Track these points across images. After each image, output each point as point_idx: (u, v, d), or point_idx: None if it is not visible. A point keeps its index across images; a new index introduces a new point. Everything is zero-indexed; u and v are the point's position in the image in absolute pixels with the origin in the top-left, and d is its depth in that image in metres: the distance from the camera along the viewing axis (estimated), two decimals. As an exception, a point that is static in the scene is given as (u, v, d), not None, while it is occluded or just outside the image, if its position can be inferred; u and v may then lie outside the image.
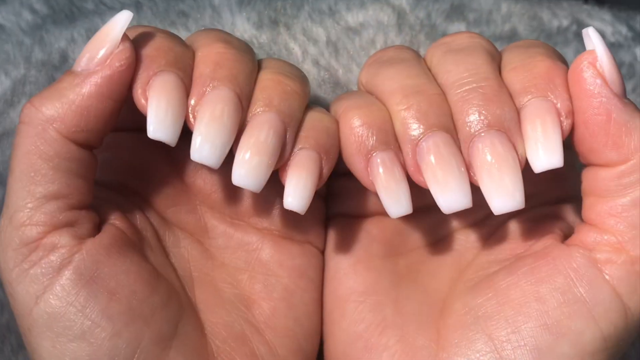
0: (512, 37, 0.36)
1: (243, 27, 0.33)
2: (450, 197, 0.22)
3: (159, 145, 0.26)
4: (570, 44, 0.37)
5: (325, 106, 0.30)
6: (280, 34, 0.33)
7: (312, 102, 0.32)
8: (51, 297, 0.21)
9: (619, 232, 0.22)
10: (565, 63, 0.24)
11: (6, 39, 0.32)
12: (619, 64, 0.36)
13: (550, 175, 0.24)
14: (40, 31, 0.32)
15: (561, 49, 0.36)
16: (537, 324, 0.22)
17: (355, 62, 0.33)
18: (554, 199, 0.27)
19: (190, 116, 0.22)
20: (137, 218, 0.25)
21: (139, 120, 0.24)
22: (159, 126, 0.21)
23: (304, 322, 0.26)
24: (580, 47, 0.36)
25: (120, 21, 0.22)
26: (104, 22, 0.32)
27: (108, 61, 0.22)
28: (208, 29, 0.26)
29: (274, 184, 0.23)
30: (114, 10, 0.33)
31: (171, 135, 0.22)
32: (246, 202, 0.26)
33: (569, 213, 0.26)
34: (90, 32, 0.32)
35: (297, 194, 0.22)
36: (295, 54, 0.33)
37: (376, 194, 0.23)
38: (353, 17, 0.34)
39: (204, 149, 0.22)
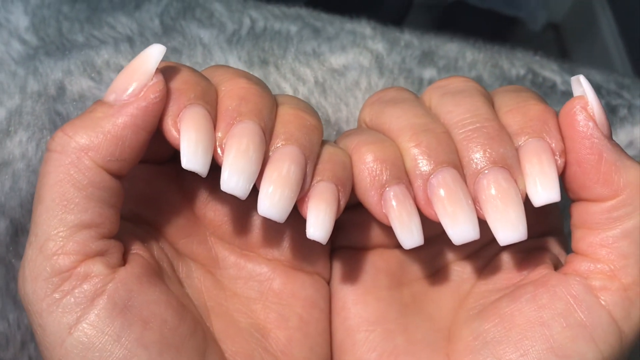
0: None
1: (235, 65, 0.34)
2: (460, 229, 0.24)
3: (172, 177, 0.26)
4: (529, 91, 0.39)
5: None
6: (270, 73, 0.35)
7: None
8: (86, 326, 0.21)
9: (611, 261, 0.24)
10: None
11: (-2, 68, 0.32)
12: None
13: (536, 210, 0.26)
14: (34, 62, 0.32)
15: (522, 96, 0.39)
16: (544, 347, 0.24)
17: (343, 101, 0.35)
18: (539, 233, 0.29)
19: (218, 149, 0.23)
20: (154, 248, 0.25)
21: (155, 151, 0.25)
22: (192, 157, 0.22)
23: (318, 351, 0.26)
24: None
25: (154, 54, 0.22)
26: (98, 55, 0.33)
27: (142, 93, 0.22)
28: (220, 65, 0.26)
29: None
30: (106, 44, 0.33)
31: (203, 165, 0.22)
32: (256, 234, 0.27)
33: (553, 245, 0.29)
34: (87, 65, 0.32)
35: (318, 224, 0.23)
36: (287, 92, 0.34)
37: (388, 227, 0.24)
38: (336, 59, 0.36)
39: (232, 180, 0.22)
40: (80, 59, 0.32)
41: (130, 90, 0.22)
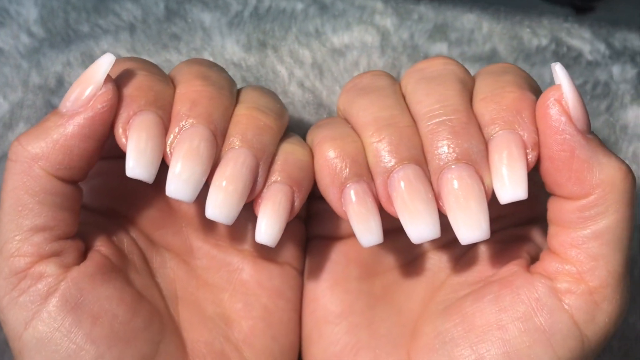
0: (492, 57, 0.37)
1: (232, 50, 0.35)
2: (419, 227, 0.23)
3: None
4: (548, 63, 0.38)
5: (309, 126, 0.32)
6: (267, 57, 0.35)
7: (296, 123, 0.34)
8: (39, 323, 0.23)
9: (579, 262, 0.23)
10: (535, 90, 0.25)
11: (5, 62, 0.34)
12: (594, 83, 0.38)
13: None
14: (37, 55, 0.34)
15: (539, 70, 0.37)
16: (499, 352, 0.23)
17: (339, 83, 0.35)
18: (524, 220, 0.28)
19: (168, 152, 0.23)
20: (124, 242, 0.27)
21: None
22: (135, 166, 0.23)
23: (281, 340, 0.27)
24: (558, 66, 0.38)
25: (104, 64, 0.23)
26: (98, 46, 0.34)
27: (91, 103, 0.23)
28: (191, 61, 0.27)
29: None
30: (109, 33, 0.34)
31: (148, 173, 0.23)
32: (228, 225, 0.28)
33: (537, 234, 0.28)
34: (85, 56, 0.34)
35: (267, 229, 0.24)
36: (282, 76, 0.34)
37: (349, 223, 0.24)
38: (338, 39, 0.36)
39: (178, 185, 0.23)
40: (79, 50, 0.34)
41: (80, 101, 0.23)
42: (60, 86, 0.33)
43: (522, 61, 0.37)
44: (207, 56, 0.34)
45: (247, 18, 0.36)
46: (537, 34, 0.39)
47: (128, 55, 0.34)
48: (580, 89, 0.37)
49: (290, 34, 0.36)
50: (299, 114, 0.34)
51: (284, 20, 0.36)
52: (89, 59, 0.33)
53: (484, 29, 0.39)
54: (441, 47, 0.37)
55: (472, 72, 0.36)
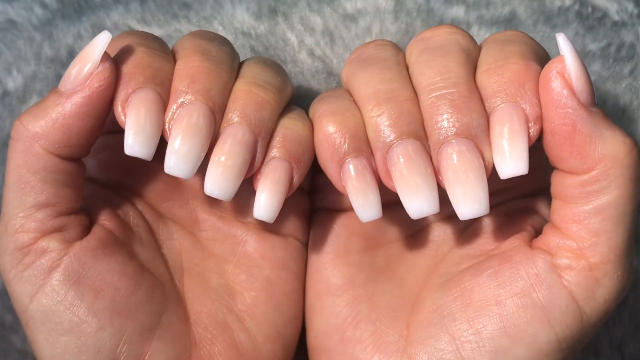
0: (511, 19, 0.36)
1: (242, 18, 0.34)
2: (417, 202, 0.23)
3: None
4: (571, 25, 0.36)
5: (318, 95, 0.32)
6: (278, 24, 0.34)
7: (305, 92, 0.34)
8: (43, 296, 0.24)
9: (581, 238, 0.23)
10: (543, 59, 0.24)
11: (18, 34, 0.34)
12: (619, 45, 0.37)
13: (529, 166, 0.24)
14: (50, 27, 0.34)
15: (561, 31, 0.36)
16: (496, 327, 0.23)
17: (350, 51, 0.34)
18: (531, 191, 0.28)
19: (167, 129, 0.24)
20: (130, 214, 0.27)
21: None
22: (132, 144, 0.23)
23: (283, 311, 0.28)
24: (580, 28, 0.36)
25: (100, 43, 0.23)
26: (109, 17, 0.34)
27: (88, 82, 0.23)
28: (193, 34, 0.27)
29: None
30: (120, 3, 0.34)
31: (147, 150, 0.23)
32: (233, 198, 0.28)
33: (543, 206, 0.27)
34: (96, 28, 0.34)
35: (265, 205, 0.24)
36: (292, 45, 0.34)
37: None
38: (351, 4, 0.35)
39: (177, 161, 0.23)
40: (90, 22, 0.34)
41: (77, 79, 0.23)
42: (72, 59, 0.33)
43: (542, 23, 0.36)
44: (216, 25, 0.34)
45: (259, -16, 0.36)
46: (560, -7, 0.37)
47: (139, 26, 0.34)
48: (603, 52, 0.36)
49: (302, 0, 0.35)
50: (308, 83, 0.34)
51: (296, -15, 0.36)
52: (99, 31, 0.33)
53: (504, -10, 0.37)
54: (458, 11, 0.36)
55: (488, 35, 0.36)
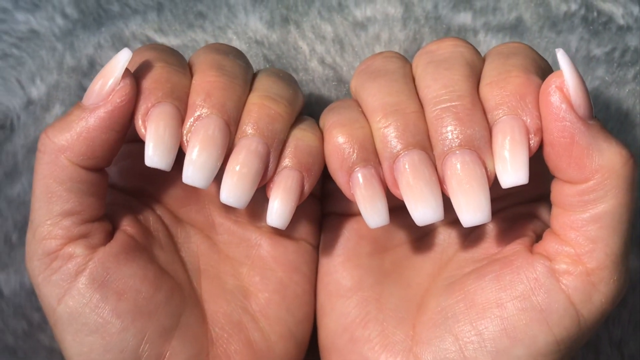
0: (516, 26, 0.37)
1: (255, 27, 0.36)
2: (423, 210, 0.25)
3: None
4: (576, 30, 0.37)
5: (329, 102, 0.33)
6: (290, 33, 0.36)
7: (316, 100, 0.35)
8: (70, 299, 0.25)
9: (578, 245, 0.24)
10: (544, 71, 0.25)
11: (41, 44, 0.35)
12: (623, 49, 0.37)
13: (532, 174, 0.25)
14: (71, 37, 0.35)
15: (566, 37, 0.37)
16: (497, 329, 0.25)
17: (359, 58, 0.35)
18: (533, 197, 0.29)
19: (185, 140, 0.25)
20: (150, 220, 0.29)
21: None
22: (152, 156, 0.24)
23: (295, 312, 0.29)
24: (585, 33, 0.37)
25: (122, 60, 0.25)
26: (127, 27, 0.35)
27: (110, 97, 0.25)
28: (208, 48, 0.28)
29: None
30: (138, 13, 0.36)
31: (166, 161, 0.25)
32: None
33: (545, 211, 0.28)
34: (115, 39, 0.35)
35: (277, 213, 0.26)
36: (303, 53, 0.35)
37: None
38: (361, 12, 0.36)
39: (195, 171, 0.25)
40: (110, 32, 0.35)
41: (99, 95, 0.25)
42: (92, 68, 0.35)
43: (547, 29, 0.37)
44: (230, 35, 0.35)
45: (272, -8, 0.37)
46: (566, -2, 0.38)
47: (156, 35, 0.35)
48: (607, 57, 0.37)
49: (313, 9, 0.36)
50: (319, 90, 0.35)
51: (309, -8, 0.37)
52: (118, 41, 0.35)
53: (511, -4, 0.38)
54: (465, 17, 0.37)
55: (494, 42, 0.36)
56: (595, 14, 0.38)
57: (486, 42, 0.37)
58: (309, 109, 0.35)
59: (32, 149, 0.35)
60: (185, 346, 0.26)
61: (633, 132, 0.36)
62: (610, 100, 0.36)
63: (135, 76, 0.25)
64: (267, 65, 0.36)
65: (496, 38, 0.37)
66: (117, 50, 0.35)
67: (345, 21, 0.36)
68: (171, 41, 0.36)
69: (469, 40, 0.36)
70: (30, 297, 0.35)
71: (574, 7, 0.38)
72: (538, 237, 0.27)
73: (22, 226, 0.35)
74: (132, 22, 0.36)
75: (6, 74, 0.35)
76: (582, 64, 0.36)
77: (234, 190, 0.25)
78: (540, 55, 0.26)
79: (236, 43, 0.36)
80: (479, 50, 0.36)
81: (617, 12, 0.38)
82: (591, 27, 0.37)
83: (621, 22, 0.38)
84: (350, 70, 0.35)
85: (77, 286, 0.25)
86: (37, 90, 0.35)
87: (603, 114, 0.36)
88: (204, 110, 0.25)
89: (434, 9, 0.37)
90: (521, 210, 0.29)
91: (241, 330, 0.28)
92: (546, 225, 0.28)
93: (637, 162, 0.24)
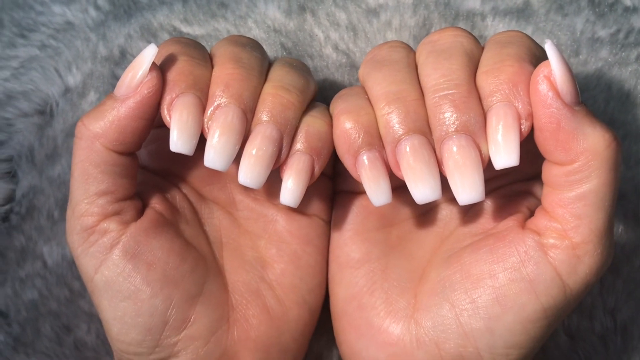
0: (524, 9, 0.38)
1: (274, 16, 0.38)
2: (422, 189, 0.27)
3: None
4: (582, 13, 0.38)
5: (342, 87, 0.35)
6: (306, 21, 0.38)
7: (330, 85, 0.37)
8: (105, 269, 0.28)
9: (565, 221, 0.26)
10: (538, 59, 0.27)
11: (76, 35, 0.38)
12: (628, 31, 0.39)
13: (528, 154, 0.28)
14: (103, 28, 0.38)
15: (572, 19, 0.38)
16: (490, 297, 0.27)
17: (371, 44, 0.37)
18: (530, 175, 0.31)
19: (206, 127, 0.28)
20: (176, 197, 0.32)
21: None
22: (176, 142, 0.27)
23: (308, 280, 0.32)
24: (591, 15, 0.38)
25: (149, 55, 0.27)
26: (155, 18, 0.38)
27: (139, 88, 0.27)
28: (228, 40, 0.30)
29: None
30: (165, 4, 0.38)
31: (189, 146, 0.27)
32: (265, 183, 0.32)
33: (539, 189, 0.31)
34: (144, 29, 0.38)
35: (290, 192, 0.28)
36: (318, 40, 0.38)
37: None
38: (374, -1, 0.38)
39: (215, 154, 0.27)
40: (139, 23, 0.38)
41: (129, 87, 0.27)
42: (123, 58, 0.38)
43: (554, 12, 0.38)
44: (250, 24, 0.38)
45: (289, -18, 0.39)
46: (574, -19, 0.39)
47: (182, 25, 0.38)
48: (612, 39, 0.38)
49: (329, -4, 0.38)
50: (333, 75, 0.37)
51: (324, -18, 0.39)
52: (147, 32, 0.38)
53: (519, -20, 0.40)
54: (474, 2, 0.38)
55: (501, 26, 0.38)
56: (601, -5, 0.39)
57: (493, 27, 0.38)
58: (324, 93, 0.37)
59: (70, 133, 0.38)
60: (208, 311, 0.29)
61: (633, 112, 0.37)
62: (612, 80, 0.37)
63: (162, 69, 0.28)
64: (284, 53, 0.38)
65: (503, 22, 0.38)
66: (146, 40, 0.38)
67: (359, 8, 0.38)
68: (195, 30, 0.38)
69: (477, 25, 0.38)
70: (71, 267, 0.38)
71: (581, -11, 0.39)
72: (532, 213, 0.29)
73: (63, 204, 0.38)
74: (159, 13, 0.38)
75: (45, 63, 0.38)
76: (587, 45, 0.38)
77: (251, 171, 0.28)
78: (536, 43, 0.28)
79: (255, 32, 0.38)
80: (487, 34, 0.38)
81: (626, -9, 0.39)
82: (597, 9, 0.38)
83: (628, 3, 0.39)
84: (362, 56, 0.37)
85: (112, 257, 0.28)
86: (73, 79, 0.38)
87: (605, 95, 0.37)
88: (223, 100, 0.28)
89: (445, -6, 0.38)
90: (518, 188, 0.31)
91: (259, 297, 0.31)
92: (540, 202, 0.30)
93: (620, 144, 0.26)
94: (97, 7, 0.39)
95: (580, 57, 0.38)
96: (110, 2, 0.39)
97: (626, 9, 0.39)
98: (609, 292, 0.35)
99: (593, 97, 0.37)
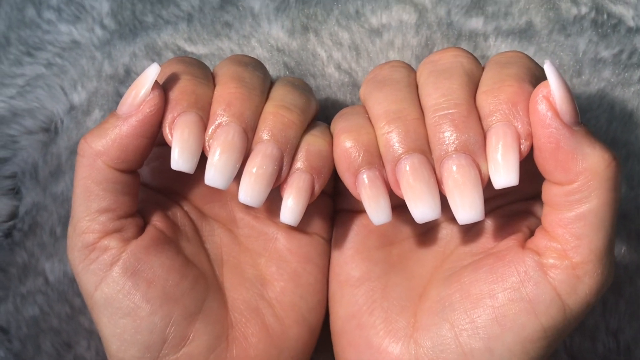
0: (526, 30, 0.39)
1: (277, 35, 0.38)
2: (422, 208, 0.27)
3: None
4: (585, 33, 0.38)
5: (344, 106, 0.35)
6: (309, 40, 0.38)
7: (332, 104, 0.37)
8: (105, 286, 0.28)
9: (565, 241, 0.26)
10: (538, 79, 0.27)
11: (81, 54, 0.39)
12: (631, 51, 0.39)
13: (527, 173, 0.28)
14: (109, 46, 0.39)
15: (574, 40, 0.38)
16: (489, 317, 0.27)
17: (374, 63, 0.38)
18: (530, 194, 0.31)
19: (207, 146, 0.28)
20: (178, 215, 0.32)
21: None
22: (177, 161, 0.27)
23: (308, 299, 0.32)
24: (594, 36, 0.38)
25: (151, 74, 0.27)
26: (160, 37, 0.38)
27: (141, 107, 0.27)
28: (230, 60, 0.30)
29: None
30: (170, 23, 0.39)
31: (190, 164, 0.27)
32: (265, 201, 0.32)
33: (539, 208, 0.30)
34: (149, 48, 0.38)
35: (290, 211, 0.28)
36: (321, 59, 0.38)
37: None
38: (377, 19, 0.38)
39: (215, 173, 0.27)
40: (144, 42, 0.38)
41: (132, 105, 0.28)
42: (128, 76, 0.38)
43: (557, 33, 0.38)
44: (254, 43, 0.38)
45: (293, 3, 0.39)
46: (577, 2, 0.39)
47: (186, 44, 0.38)
48: (614, 59, 0.38)
49: (332, 17, 0.38)
50: (335, 94, 0.37)
51: (327, 2, 0.39)
52: (151, 51, 0.38)
53: (522, 1, 0.40)
54: (477, 22, 0.39)
55: (503, 46, 0.38)
56: (605, 16, 0.39)
57: (496, 47, 0.38)
58: (325, 112, 0.37)
59: (74, 151, 0.38)
60: (208, 328, 0.29)
61: (636, 132, 0.37)
62: (615, 101, 0.38)
63: (164, 87, 0.28)
64: (287, 72, 0.38)
65: (505, 42, 0.38)
66: (151, 59, 0.38)
67: (362, 28, 0.38)
68: (199, 50, 0.38)
69: (479, 45, 0.38)
70: (72, 284, 0.38)
71: (584, 10, 0.39)
72: (532, 233, 0.29)
73: (65, 220, 0.38)
74: (164, 32, 0.39)
75: (51, 81, 0.39)
76: (589, 66, 0.38)
77: (251, 190, 0.28)
78: (536, 64, 0.28)
79: (259, 51, 0.38)
80: (489, 54, 0.38)
81: (627, 14, 0.39)
82: (600, 30, 0.39)
83: (631, 23, 0.39)
84: (364, 75, 0.38)
85: (112, 275, 0.28)
86: (78, 97, 0.38)
87: (607, 115, 0.37)
88: (225, 119, 0.28)
89: (447, 15, 0.39)
90: (518, 208, 0.31)
91: (258, 315, 0.31)
92: (540, 222, 0.30)
93: (619, 164, 0.26)
94: (103, 26, 0.40)
95: (583, 77, 0.38)
96: (116, 22, 0.40)
97: (629, 30, 0.39)
98: (612, 313, 0.35)
99: (596, 117, 0.37)
